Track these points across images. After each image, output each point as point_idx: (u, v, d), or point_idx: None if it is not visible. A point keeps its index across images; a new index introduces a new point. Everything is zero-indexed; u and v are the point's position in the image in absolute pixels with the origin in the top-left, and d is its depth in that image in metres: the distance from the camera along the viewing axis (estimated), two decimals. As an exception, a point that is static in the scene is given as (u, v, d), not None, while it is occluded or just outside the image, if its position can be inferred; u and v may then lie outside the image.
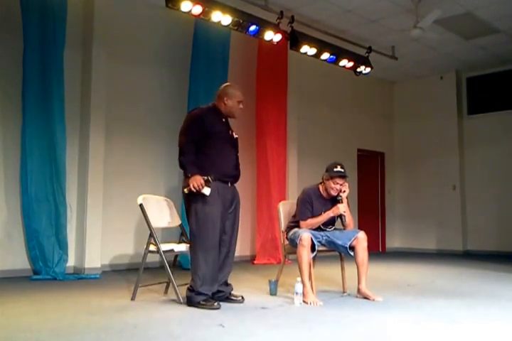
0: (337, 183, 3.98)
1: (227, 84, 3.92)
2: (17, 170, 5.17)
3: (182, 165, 3.53)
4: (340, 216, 4.01)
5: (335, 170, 3.98)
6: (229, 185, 3.69)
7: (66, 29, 5.38)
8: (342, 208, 3.96)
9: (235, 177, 3.75)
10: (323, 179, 4.10)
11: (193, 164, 3.48)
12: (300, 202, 4.09)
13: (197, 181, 3.41)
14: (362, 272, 3.89)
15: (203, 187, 3.42)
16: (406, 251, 9.47)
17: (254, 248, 7.14)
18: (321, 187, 4.12)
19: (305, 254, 3.76)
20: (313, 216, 4.01)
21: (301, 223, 4.01)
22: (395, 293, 4.20)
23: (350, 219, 4.04)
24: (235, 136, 3.78)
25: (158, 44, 6.53)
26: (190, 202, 3.56)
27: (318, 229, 4.04)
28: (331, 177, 3.98)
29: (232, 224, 3.75)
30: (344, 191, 4.02)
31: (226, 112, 3.75)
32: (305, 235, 3.78)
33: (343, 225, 4.08)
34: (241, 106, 3.78)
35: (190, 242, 3.61)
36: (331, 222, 4.10)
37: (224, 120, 3.76)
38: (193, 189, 3.41)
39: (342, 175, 3.98)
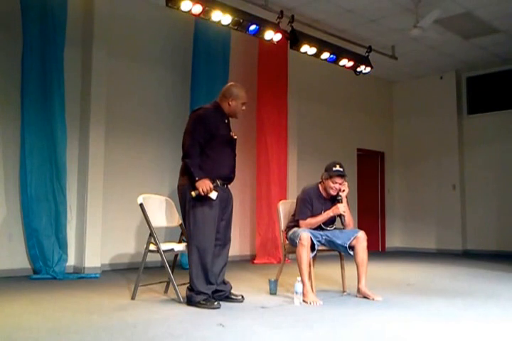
0: (336, 182, 3.98)
1: (233, 83, 3.87)
2: (17, 170, 5.17)
3: (187, 168, 3.52)
4: (340, 215, 4.01)
5: (334, 169, 3.98)
6: (225, 186, 3.71)
7: (66, 28, 5.37)
8: (342, 208, 3.97)
9: (232, 179, 3.78)
10: (322, 178, 4.10)
11: (199, 167, 3.49)
12: (300, 201, 4.09)
13: (206, 185, 3.42)
14: (361, 271, 3.89)
15: (211, 191, 3.44)
16: (406, 251, 9.48)
17: (254, 247, 7.15)
18: (320, 186, 4.12)
19: (305, 254, 3.76)
20: (312, 215, 4.01)
21: (301, 222, 4.01)
22: (394, 292, 4.21)
23: (349, 219, 4.05)
24: (235, 136, 3.79)
25: (158, 43, 6.53)
26: (189, 203, 3.56)
27: (319, 228, 4.04)
28: (330, 177, 3.98)
29: (227, 224, 3.76)
30: (343, 190, 4.02)
31: (229, 112, 3.76)
32: (304, 235, 3.78)
33: (343, 225, 4.09)
34: (244, 107, 3.79)
35: (187, 242, 3.62)
36: (331, 221, 4.10)
37: (226, 121, 3.76)
38: (202, 193, 3.42)
39: (341, 174, 3.98)
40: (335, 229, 4.12)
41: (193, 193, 3.45)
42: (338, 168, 3.98)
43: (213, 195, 3.46)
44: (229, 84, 3.87)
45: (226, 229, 3.75)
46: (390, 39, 7.72)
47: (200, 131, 3.54)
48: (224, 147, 3.66)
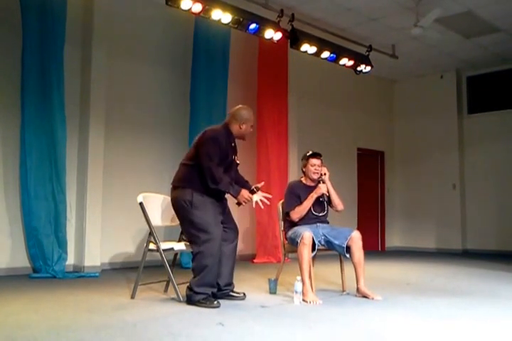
0: (315, 164, 4.16)
1: (242, 106, 3.85)
2: (16, 169, 5.17)
3: (223, 192, 3.61)
4: (328, 198, 4.17)
5: (308, 154, 4.22)
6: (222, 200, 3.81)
7: (66, 27, 5.36)
8: (324, 188, 4.11)
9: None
10: (302, 170, 4.26)
11: (231, 185, 3.59)
12: (285, 195, 4.23)
13: (246, 197, 3.58)
14: (360, 271, 3.91)
15: (251, 199, 3.61)
16: (405, 250, 9.48)
17: (254, 246, 7.14)
18: (303, 179, 4.28)
19: (306, 252, 3.77)
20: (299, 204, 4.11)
21: (291, 213, 4.10)
22: (394, 291, 4.20)
23: (338, 200, 4.20)
24: (238, 161, 3.86)
25: (158, 42, 6.52)
26: (189, 213, 3.57)
27: (312, 216, 4.09)
28: (307, 161, 4.18)
29: (227, 213, 3.82)
30: (325, 173, 4.18)
31: (238, 135, 3.78)
32: (307, 234, 3.79)
33: (333, 206, 4.23)
34: (252, 129, 3.85)
35: (192, 246, 3.59)
36: (321, 209, 4.19)
37: (233, 144, 3.79)
38: (244, 204, 3.64)
39: (315, 154, 4.18)
40: (328, 224, 4.18)
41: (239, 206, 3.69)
42: (311, 152, 4.23)
43: (256, 197, 3.65)
44: (238, 107, 3.85)
45: (228, 216, 3.81)
46: (391, 38, 7.71)
47: (216, 153, 3.59)
48: (228, 170, 3.70)
